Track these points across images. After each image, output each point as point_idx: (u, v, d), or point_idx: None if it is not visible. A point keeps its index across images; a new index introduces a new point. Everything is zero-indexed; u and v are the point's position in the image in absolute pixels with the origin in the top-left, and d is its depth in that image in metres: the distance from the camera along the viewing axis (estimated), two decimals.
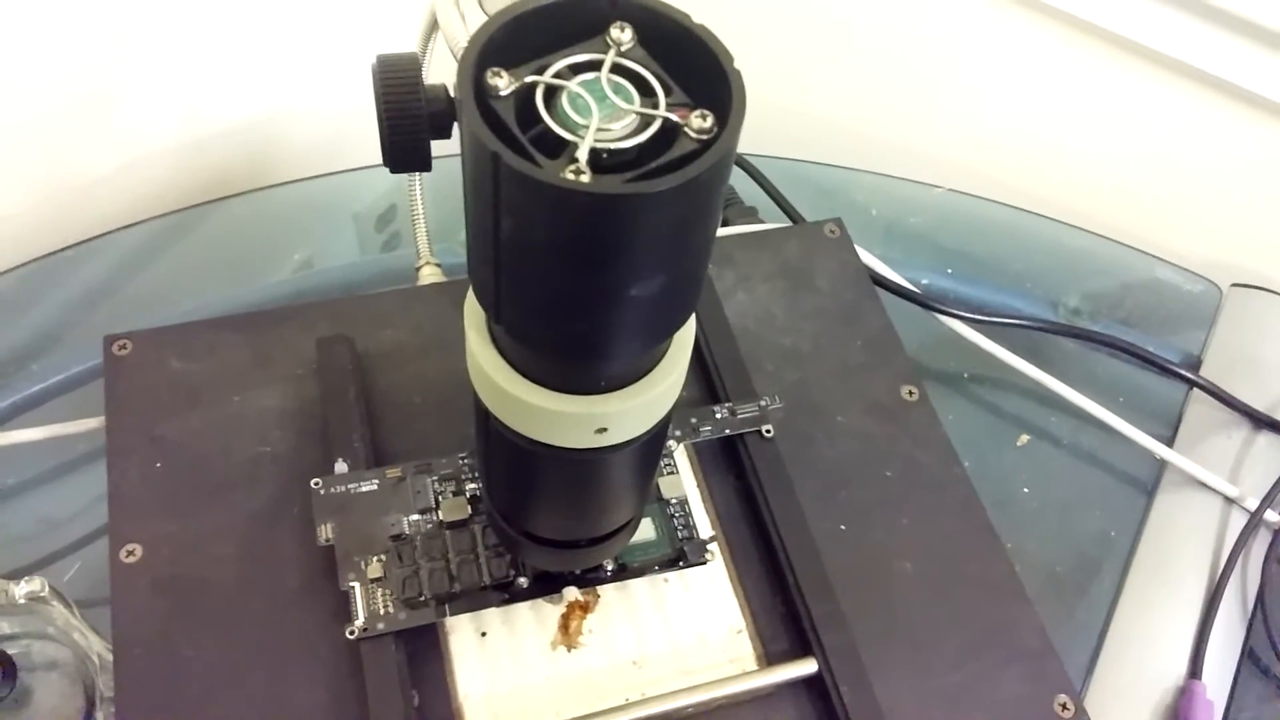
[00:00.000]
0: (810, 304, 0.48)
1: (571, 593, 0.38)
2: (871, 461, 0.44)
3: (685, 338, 0.27)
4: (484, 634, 0.38)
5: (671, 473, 0.41)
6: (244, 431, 0.41)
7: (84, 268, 0.57)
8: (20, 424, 0.49)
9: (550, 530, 0.34)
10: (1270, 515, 0.51)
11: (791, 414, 0.44)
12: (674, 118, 0.21)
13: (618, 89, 0.22)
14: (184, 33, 0.59)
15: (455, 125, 0.23)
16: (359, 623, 0.36)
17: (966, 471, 0.44)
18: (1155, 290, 0.64)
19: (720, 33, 0.22)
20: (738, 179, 0.59)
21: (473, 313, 0.27)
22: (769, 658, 0.38)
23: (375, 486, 0.38)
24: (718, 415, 0.42)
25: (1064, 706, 0.38)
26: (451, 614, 0.36)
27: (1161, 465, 0.54)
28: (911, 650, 0.39)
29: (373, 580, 0.36)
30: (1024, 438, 0.55)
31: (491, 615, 0.38)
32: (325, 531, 0.37)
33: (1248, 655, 0.48)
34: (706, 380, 0.45)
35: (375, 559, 0.37)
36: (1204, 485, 0.53)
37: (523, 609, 0.38)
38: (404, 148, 0.24)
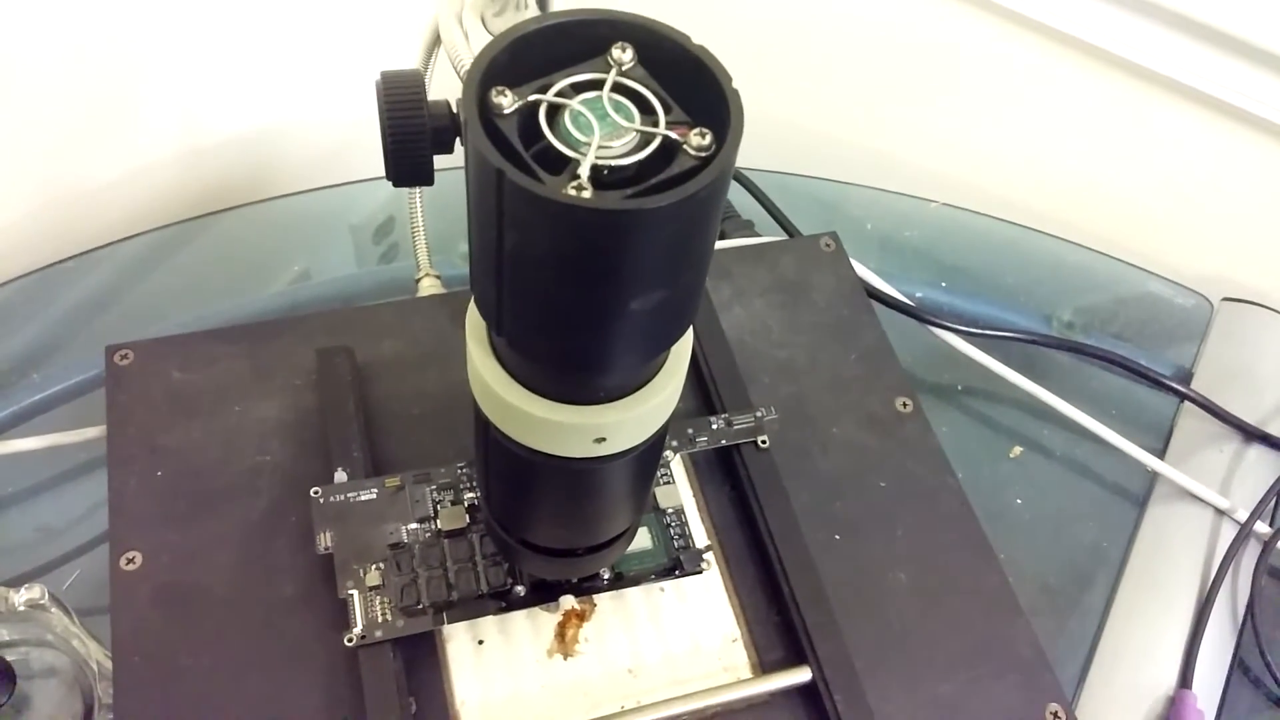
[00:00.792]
0: (806, 317, 0.49)
1: (568, 601, 0.38)
2: (866, 473, 0.44)
3: (683, 349, 0.28)
4: (481, 642, 0.38)
5: (668, 483, 0.41)
6: (244, 441, 0.42)
7: (85, 278, 0.57)
8: (21, 433, 0.49)
9: (548, 538, 0.34)
10: (1260, 527, 0.52)
11: (787, 425, 0.44)
12: (673, 135, 0.22)
13: (619, 107, 0.22)
14: (185, 46, 0.59)
15: (457, 140, 0.23)
16: (357, 630, 0.36)
17: (960, 483, 0.44)
18: (1147, 304, 0.65)
19: (719, 49, 0.23)
20: (734, 192, 0.60)
21: (474, 324, 0.27)
22: (764, 666, 0.39)
23: (374, 495, 0.39)
24: (714, 426, 0.42)
25: (1056, 715, 0.39)
26: (449, 622, 0.37)
27: (1153, 477, 0.55)
28: (905, 659, 0.39)
29: (371, 588, 0.37)
30: (1017, 450, 0.55)
31: (488, 623, 0.38)
32: (324, 540, 0.38)
33: (1238, 665, 0.49)
34: (703, 391, 0.45)
35: (374, 567, 0.37)
36: (1195, 497, 0.53)
37: (519, 617, 0.39)
38: (407, 162, 0.24)
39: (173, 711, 0.36)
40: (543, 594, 0.38)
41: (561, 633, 0.38)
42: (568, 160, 0.21)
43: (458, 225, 0.24)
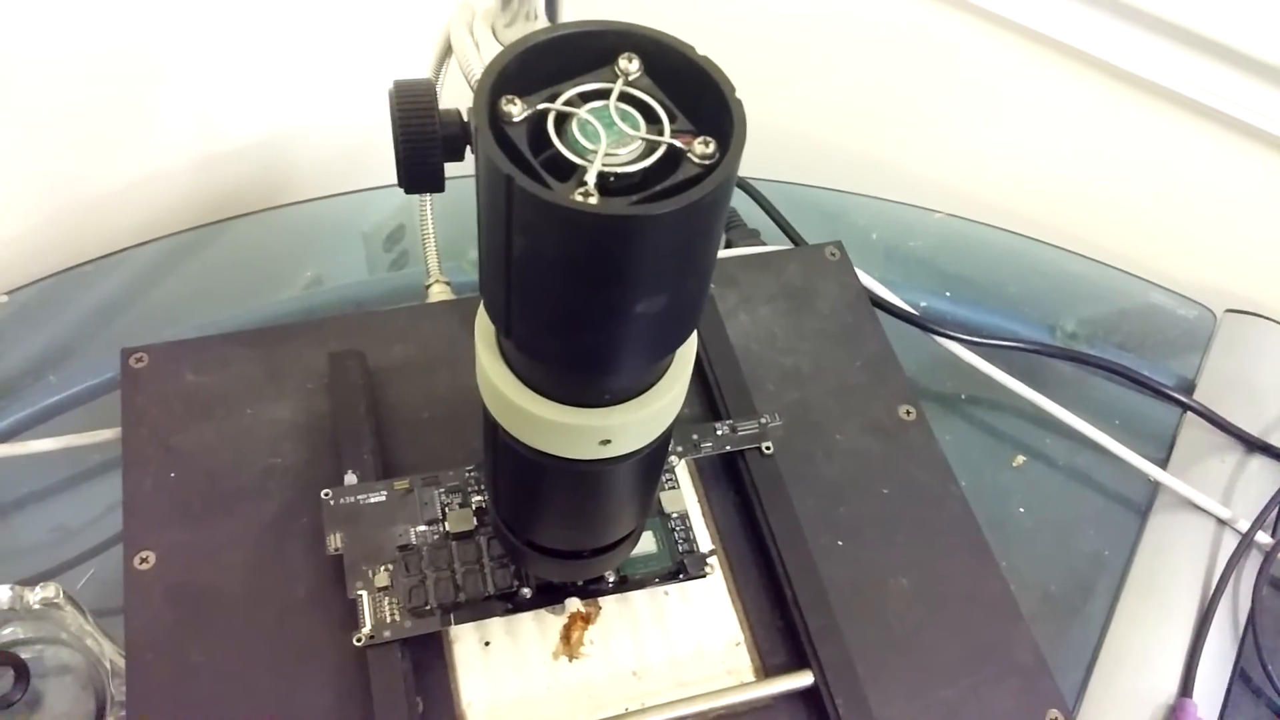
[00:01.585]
0: (810, 324, 0.49)
1: (573, 604, 0.39)
2: (869, 479, 0.45)
3: (687, 354, 0.28)
4: (487, 643, 0.39)
5: (673, 487, 0.41)
6: (256, 443, 0.42)
7: (101, 283, 0.58)
8: (37, 434, 0.50)
9: (554, 540, 0.35)
10: (1261, 537, 0.52)
11: (791, 432, 0.45)
12: (678, 144, 0.22)
13: (625, 116, 0.23)
14: (202, 55, 0.60)
15: (468, 148, 0.24)
16: (366, 630, 0.36)
17: (962, 490, 0.44)
18: (1150, 315, 0.65)
19: (726, 60, 0.23)
20: (741, 201, 0.60)
21: (483, 328, 0.28)
22: (766, 670, 0.39)
23: (384, 498, 0.39)
24: (719, 432, 0.43)
25: None
26: (456, 623, 0.37)
27: (1155, 487, 0.55)
28: (906, 664, 0.40)
29: (380, 589, 0.37)
30: (1020, 458, 0.56)
31: (495, 625, 0.39)
32: (335, 541, 0.38)
33: (1239, 674, 0.49)
34: (708, 398, 0.46)
35: (383, 568, 0.38)
36: (1197, 507, 0.53)
37: (526, 619, 0.39)
38: (419, 169, 0.25)
39: (184, 708, 0.36)
40: (549, 596, 0.38)
41: (567, 635, 0.39)
42: (575, 167, 0.22)
43: (467, 232, 0.25)
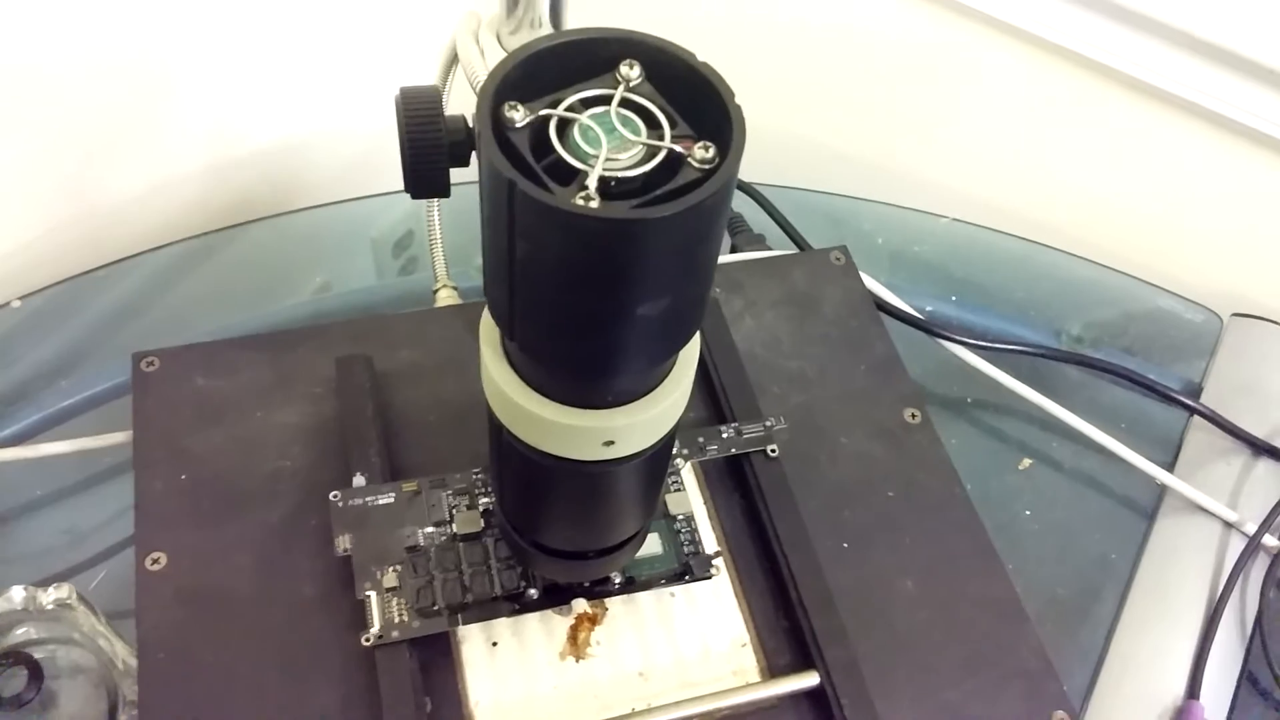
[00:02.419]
0: (816, 329, 0.50)
1: (580, 604, 0.39)
2: (874, 482, 0.45)
3: (690, 355, 0.28)
4: (495, 643, 0.39)
5: (679, 490, 0.42)
6: (265, 446, 0.43)
7: (113, 288, 0.58)
8: (50, 438, 0.50)
9: (559, 541, 0.35)
10: (1269, 540, 0.52)
11: (796, 435, 0.45)
12: (678, 149, 0.23)
13: (626, 122, 0.23)
14: (212, 63, 0.61)
15: (473, 154, 0.25)
16: (374, 630, 0.37)
17: (968, 493, 0.45)
18: (1157, 319, 0.65)
19: (731, 66, 0.24)
20: (747, 206, 0.61)
21: (488, 331, 0.28)
22: (771, 671, 0.39)
23: (392, 500, 0.40)
24: (724, 435, 0.43)
25: None
26: (464, 623, 0.38)
27: (1162, 490, 0.55)
28: (912, 666, 0.40)
29: (388, 590, 0.38)
30: (1026, 462, 0.56)
31: (502, 625, 0.39)
32: (343, 542, 0.39)
33: (1246, 677, 0.49)
34: (714, 401, 0.46)
35: (391, 569, 0.38)
36: (1203, 510, 0.53)
37: (533, 620, 0.39)
38: (425, 175, 0.25)
39: (195, 708, 0.37)
40: (555, 597, 0.39)
41: (574, 635, 0.39)
42: (577, 172, 0.22)
43: (474, 239, 0.25)
